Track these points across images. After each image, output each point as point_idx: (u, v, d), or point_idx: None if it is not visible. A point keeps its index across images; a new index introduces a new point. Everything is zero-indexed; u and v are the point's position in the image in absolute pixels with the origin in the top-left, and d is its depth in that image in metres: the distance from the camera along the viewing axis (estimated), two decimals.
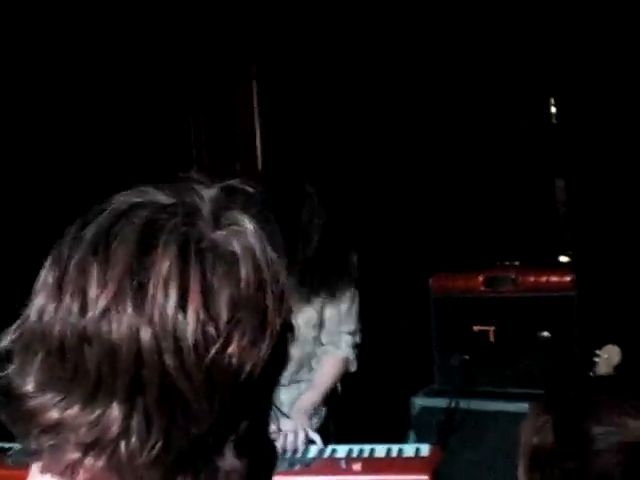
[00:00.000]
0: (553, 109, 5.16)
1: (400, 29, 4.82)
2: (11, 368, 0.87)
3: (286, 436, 2.81)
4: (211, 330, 0.82)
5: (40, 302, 0.86)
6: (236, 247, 0.86)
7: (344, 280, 3.19)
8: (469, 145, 4.88)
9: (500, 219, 4.76)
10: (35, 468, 0.88)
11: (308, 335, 3.11)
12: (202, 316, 0.82)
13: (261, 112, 5.08)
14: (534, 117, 5.04)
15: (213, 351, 0.82)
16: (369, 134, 4.94)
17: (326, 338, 3.20)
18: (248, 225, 0.89)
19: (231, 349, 0.83)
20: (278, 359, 0.89)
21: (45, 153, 4.12)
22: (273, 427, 2.72)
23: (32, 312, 0.86)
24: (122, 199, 0.90)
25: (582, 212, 4.72)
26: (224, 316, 0.83)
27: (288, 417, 2.78)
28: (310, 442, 2.86)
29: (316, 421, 3.09)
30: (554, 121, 5.15)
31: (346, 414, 3.37)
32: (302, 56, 4.91)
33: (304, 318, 3.07)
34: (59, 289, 0.85)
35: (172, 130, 4.89)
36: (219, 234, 0.86)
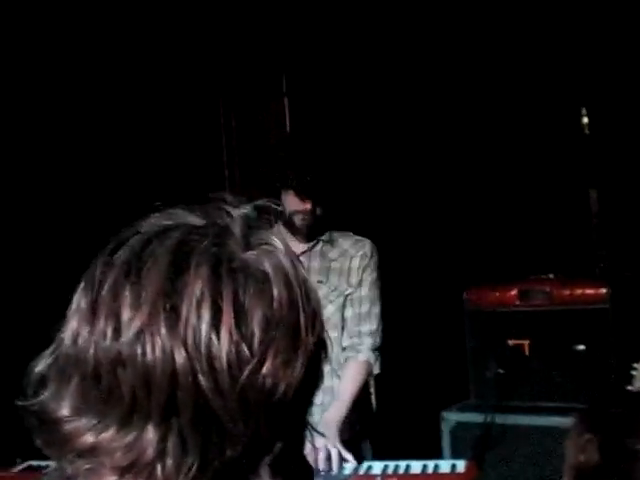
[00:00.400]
0: (585, 119, 5.13)
1: (428, 41, 4.83)
2: (46, 393, 0.87)
3: (318, 453, 2.80)
4: (245, 350, 0.82)
5: (74, 326, 0.86)
6: (267, 267, 0.87)
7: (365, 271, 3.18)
8: (503, 157, 4.86)
9: (533, 231, 4.73)
10: None
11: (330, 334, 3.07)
12: (235, 336, 0.82)
13: (292, 127, 5.11)
14: (567, 128, 5.01)
15: (247, 371, 0.82)
16: (403, 149, 4.94)
17: (346, 341, 3.16)
18: (279, 245, 0.89)
19: (265, 369, 0.83)
20: (312, 378, 0.89)
21: (79, 174, 4.16)
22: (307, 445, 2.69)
23: (66, 336, 0.87)
24: (153, 222, 0.91)
25: (616, 223, 4.68)
26: (257, 336, 0.83)
27: (323, 435, 2.76)
28: (342, 459, 2.83)
29: (347, 436, 3.04)
30: (587, 132, 5.11)
31: (381, 429, 3.35)
32: (332, 71, 4.94)
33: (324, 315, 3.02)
34: (93, 313, 0.85)
35: (204, 149, 4.94)
36: (250, 254, 0.87)
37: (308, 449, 2.77)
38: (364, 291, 3.19)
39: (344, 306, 3.17)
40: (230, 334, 0.82)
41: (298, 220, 3.09)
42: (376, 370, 3.18)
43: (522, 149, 4.88)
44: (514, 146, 4.86)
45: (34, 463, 2.90)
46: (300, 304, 0.87)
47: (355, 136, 4.92)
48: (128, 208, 0.95)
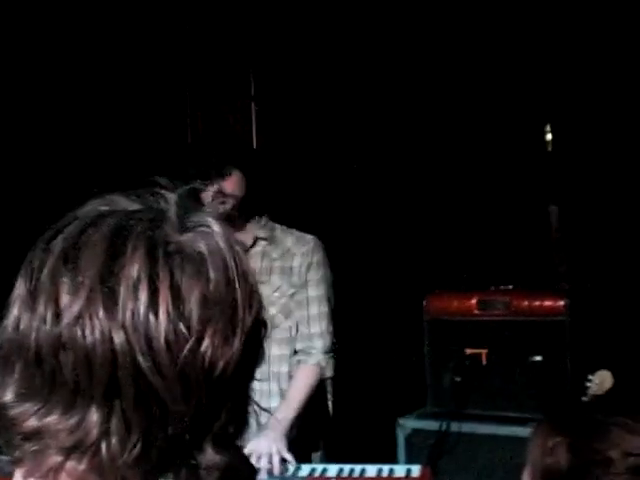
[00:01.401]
0: (549, 136, 5.19)
1: (392, 51, 4.86)
2: None
3: (260, 458, 2.77)
4: (182, 329, 0.84)
5: (15, 313, 0.88)
6: (203, 248, 0.88)
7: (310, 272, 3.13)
8: (466, 168, 4.90)
9: (495, 243, 4.77)
10: (17, 475, 0.90)
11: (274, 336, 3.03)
12: (173, 316, 0.84)
13: (258, 130, 5.11)
14: (530, 144, 5.07)
15: (185, 350, 0.84)
16: (366, 155, 4.96)
17: (299, 344, 3.11)
18: (214, 226, 0.91)
19: (203, 347, 0.85)
20: (251, 355, 0.91)
21: (40, 161, 4.12)
22: (248, 449, 2.67)
23: (8, 324, 0.88)
24: (89, 208, 0.92)
25: (575, 238, 4.74)
26: (195, 315, 0.85)
27: (267, 411, 2.70)
28: (283, 461, 2.81)
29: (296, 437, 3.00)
30: (549, 149, 5.18)
31: (337, 434, 3.35)
32: (300, 75, 4.95)
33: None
34: (32, 299, 0.86)
35: (169, 148, 4.91)
36: (186, 236, 0.89)
37: (249, 452, 2.75)
38: (310, 291, 3.12)
39: (288, 307, 3.11)
40: (168, 314, 0.84)
41: (219, 207, 2.90)
42: (328, 373, 3.14)
43: (486, 161, 4.92)
44: (479, 157, 4.91)
45: None
46: (237, 284, 0.89)
47: (320, 140, 4.93)
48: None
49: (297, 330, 3.13)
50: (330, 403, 3.32)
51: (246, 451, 2.76)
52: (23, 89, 4.06)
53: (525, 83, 4.80)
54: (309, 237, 3.18)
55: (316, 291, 3.13)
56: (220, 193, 2.93)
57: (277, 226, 3.19)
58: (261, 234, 3.13)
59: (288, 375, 3.10)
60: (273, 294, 3.07)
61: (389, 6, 4.81)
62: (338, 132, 4.99)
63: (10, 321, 0.88)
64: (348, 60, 4.89)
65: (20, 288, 0.89)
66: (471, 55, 4.81)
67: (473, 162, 4.93)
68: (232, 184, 2.97)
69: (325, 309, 3.15)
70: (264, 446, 2.79)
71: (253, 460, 2.75)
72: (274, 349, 3.05)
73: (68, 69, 4.25)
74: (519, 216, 4.87)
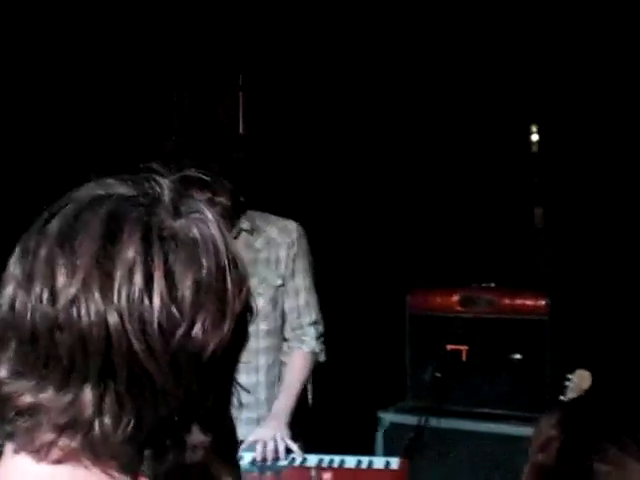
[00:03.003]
0: (535, 137, 5.22)
1: (381, 46, 4.87)
2: None
3: (265, 444, 2.79)
4: (175, 313, 0.86)
5: (10, 292, 0.89)
6: (196, 234, 0.91)
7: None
8: (451, 165, 4.93)
9: (479, 241, 4.80)
10: (8, 449, 0.91)
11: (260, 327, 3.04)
12: (166, 300, 0.86)
13: (245, 122, 5.11)
14: (516, 143, 5.10)
15: (178, 334, 0.86)
16: (353, 149, 4.97)
17: (289, 333, 3.13)
18: (207, 213, 0.94)
19: (195, 331, 0.87)
20: (238, 339, 0.93)
21: (30, 147, 4.11)
22: (253, 437, 2.68)
23: (3, 302, 0.90)
24: (85, 192, 0.94)
25: (558, 239, 4.77)
26: (187, 300, 0.87)
27: (249, 392, 2.71)
28: (288, 451, 2.83)
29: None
30: (535, 150, 5.21)
31: (314, 425, 3.36)
32: (289, 69, 4.95)
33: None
34: (29, 281, 0.88)
35: (155, 137, 4.89)
36: (179, 222, 0.91)
37: (255, 439, 2.78)
38: (298, 281, 3.13)
39: (276, 298, 3.11)
40: (162, 298, 0.86)
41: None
42: (322, 358, 3.16)
43: (472, 159, 4.94)
44: (465, 155, 4.93)
45: None
46: (227, 271, 0.92)
47: (308, 132, 4.93)
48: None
49: (283, 320, 3.15)
50: (309, 394, 3.33)
51: (251, 439, 2.81)
52: (13, 77, 4.04)
53: (511, 84, 4.83)
54: (292, 225, 3.16)
55: (304, 280, 3.14)
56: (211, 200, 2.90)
57: (255, 214, 3.16)
58: (243, 226, 3.11)
59: (273, 365, 3.12)
60: (260, 285, 3.06)
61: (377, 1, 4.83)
62: (326, 124, 4.99)
63: (5, 300, 0.89)
64: (337, 51, 4.90)
65: (15, 269, 0.90)
66: (457, 56, 4.83)
67: (459, 161, 4.95)
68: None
69: (314, 297, 3.17)
70: (269, 434, 2.82)
71: (258, 447, 2.77)
72: (261, 340, 3.06)
73: (59, 57, 4.23)
74: (504, 215, 4.90)
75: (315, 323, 3.16)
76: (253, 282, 2.96)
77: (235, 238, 3.07)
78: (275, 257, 3.12)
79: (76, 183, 0.96)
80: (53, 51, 4.21)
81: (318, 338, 3.15)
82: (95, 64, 4.42)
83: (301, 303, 3.14)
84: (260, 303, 3.03)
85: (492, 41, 4.76)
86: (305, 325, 3.14)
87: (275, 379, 3.13)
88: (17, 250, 0.92)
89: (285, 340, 3.15)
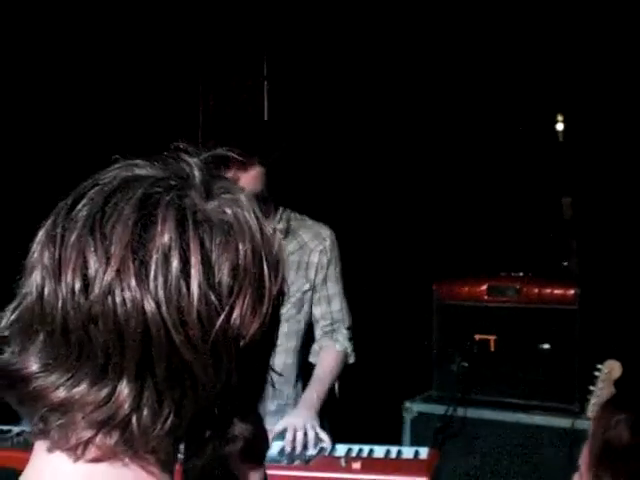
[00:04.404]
0: (561, 126, 5.18)
1: (406, 36, 4.84)
2: (9, 350, 0.86)
3: (295, 433, 2.80)
4: (214, 301, 0.83)
5: (37, 281, 0.84)
6: (230, 217, 0.87)
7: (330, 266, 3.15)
8: (479, 156, 4.90)
9: (507, 229, 4.77)
10: (40, 447, 0.87)
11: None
12: (204, 287, 0.82)
13: (270, 110, 5.10)
14: (543, 133, 5.07)
15: (218, 322, 0.83)
16: (379, 140, 4.94)
17: (321, 335, 3.17)
18: (239, 194, 0.90)
19: (233, 319, 0.84)
20: (274, 323, 0.90)
21: (55, 140, 4.12)
22: (283, 424, 2.70)
23: (30, 292, 0.85)
24: (112, 174, 0.89)
25: (588, 228, 4.74)
26: (225, 286, 0.84)
27: (282, 375, 2.71)
28: (318, 439, 2.84)
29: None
30: (561, 139, 5.17)
31: (342, 415, 3.36)
32: (313, 58, 4.93)
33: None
34: (58, 269, 0.83)
35: (181, 127, 4.89)
36: (212, 204, 0.87)
37: (285, 427, 2.79)
38: (331, 288, 3.16)
39: (302, 302, 3.13)
40: (199, 285, 0.82)
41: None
42: (352, 360, 3.20)
43: (499, 149, 4.92)
44: (492, 145, 4.90)
45: None
46: (263, 253, 0.88)
47: (331, 123, 4.91)
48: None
49: (305, 323, 3.16)
50: (336, 385, 3.34)
51: (280, 427, 2.83)
52: (43, 69, 4.06)
53: (536, 73, 4.79)
54: (325, 232, 3.18)
55: (335, 287, 3.18)
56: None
57: (292, 215, 3.17)
58: (278, 226, 3.09)
59: (292, 365, 3.12)
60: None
61: None
62: (349, 114, 4.97)
63: (32, 289, 0.84)
64: (361, 39, 4.87)
65: (42, 255, 0.85)
66: (483, 46, 4.79)
67: (486, 152, 4.92)
68: (252, 178, 2.89)
69: (345, 303, 3.21)
70: (299, 423, 2.83)
71: (288, 436, 2.79)
72: (282, 341, 3.06)
73: (84, 50, 4.24)
74: (531, 205, 4.87)
75: (348, 329, 3.20)
76: None
77: None
78: (306, 262, 3.13)
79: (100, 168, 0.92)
80: (80, 40, 4.22)
81: (350, 340, 3.19)
82: (121, 55, 4.43)
83: (335, 309, 3.18)
84: (286, 307, 3.01)
85: (518, 31, 4.72)
86: (338, 329, 3.18)
87: (291, 379, 3.14)
88: (41, 235, 0.87)
89: (315, 341, 3.19)
